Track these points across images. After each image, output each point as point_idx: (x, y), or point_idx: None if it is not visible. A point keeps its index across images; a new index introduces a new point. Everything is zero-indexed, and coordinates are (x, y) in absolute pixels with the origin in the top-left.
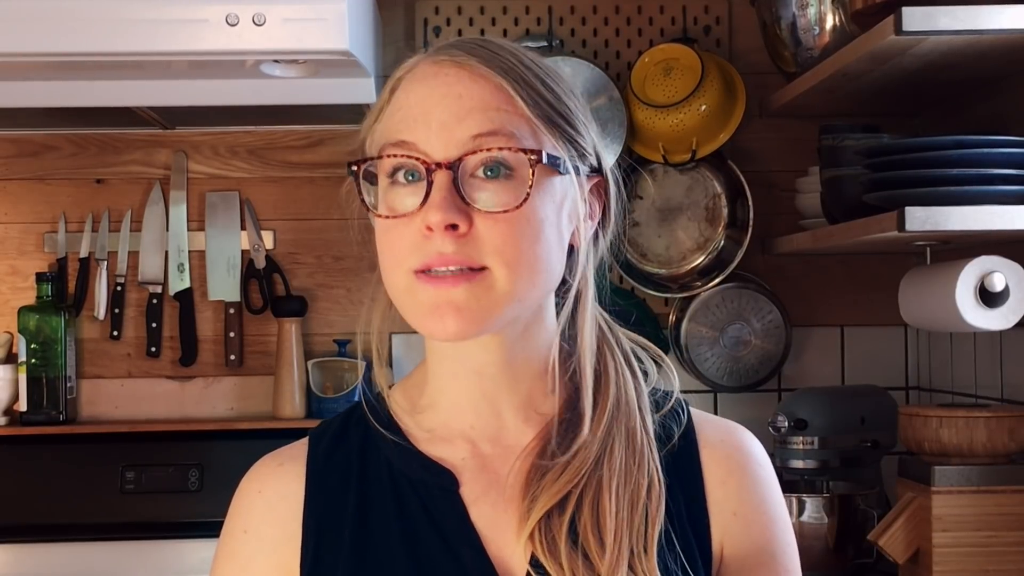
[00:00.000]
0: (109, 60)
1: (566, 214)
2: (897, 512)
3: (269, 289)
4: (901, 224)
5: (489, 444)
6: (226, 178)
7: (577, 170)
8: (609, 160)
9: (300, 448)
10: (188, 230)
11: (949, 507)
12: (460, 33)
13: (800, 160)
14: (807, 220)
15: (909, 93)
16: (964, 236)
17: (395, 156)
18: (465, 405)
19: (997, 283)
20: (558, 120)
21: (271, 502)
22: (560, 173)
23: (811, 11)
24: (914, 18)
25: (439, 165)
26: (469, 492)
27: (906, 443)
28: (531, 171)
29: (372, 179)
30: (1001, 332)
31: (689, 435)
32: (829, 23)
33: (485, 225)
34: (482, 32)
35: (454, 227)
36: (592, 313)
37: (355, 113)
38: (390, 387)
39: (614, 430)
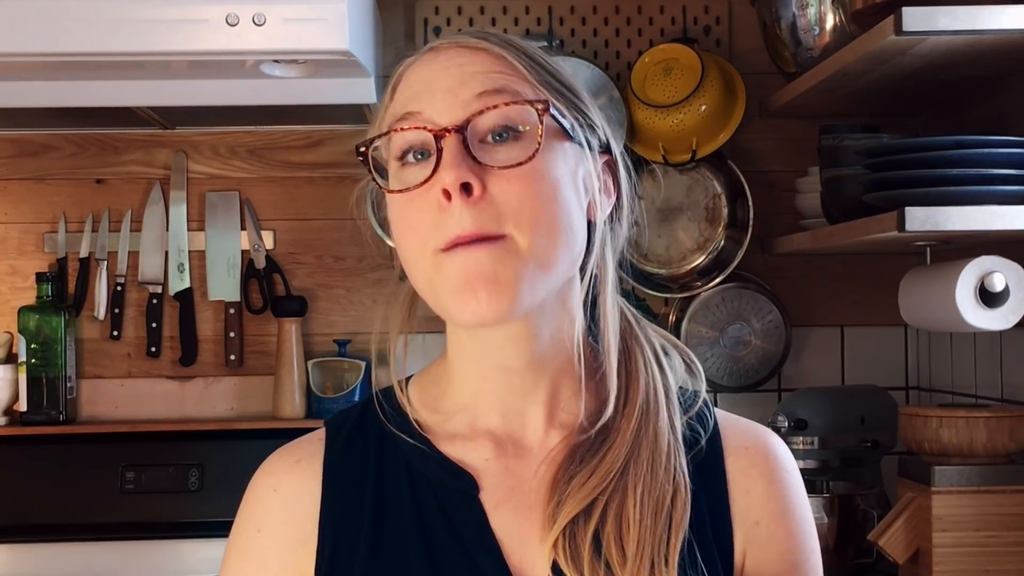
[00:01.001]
0: (109, 60)
1: (581, 180)
2: (897, 512)
3: (269, 289)
4: (901, 224)
5: (513, 447)
6: (226, 178)
7: (589, 143)
8: (617, 144)
9: (316, 443)
10: (188, 230)
11: (949, 507)
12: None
13: (800, 160)
14: (807, 220)
15: (909, 93)
16: (964, 236)
17: (402, 129)
18: (490, 406)
19: (997, 283)
20: (561, 88)
21: (287, 501)
22: (570, 137)
23: (811, 11)
24: (914, 18)
25: (447, 130)
26: (490, 497)
27: (906, 443)
28: (540, 121)
29: (383, 172)
30: (1001, 332)
31: (714, 440)
32: (829, 23)
33: (499, 187)
34: None
35: (467, 187)
36: (613, 297)
37: (355, 113)
38: (407, 380)
39: (642, 432)
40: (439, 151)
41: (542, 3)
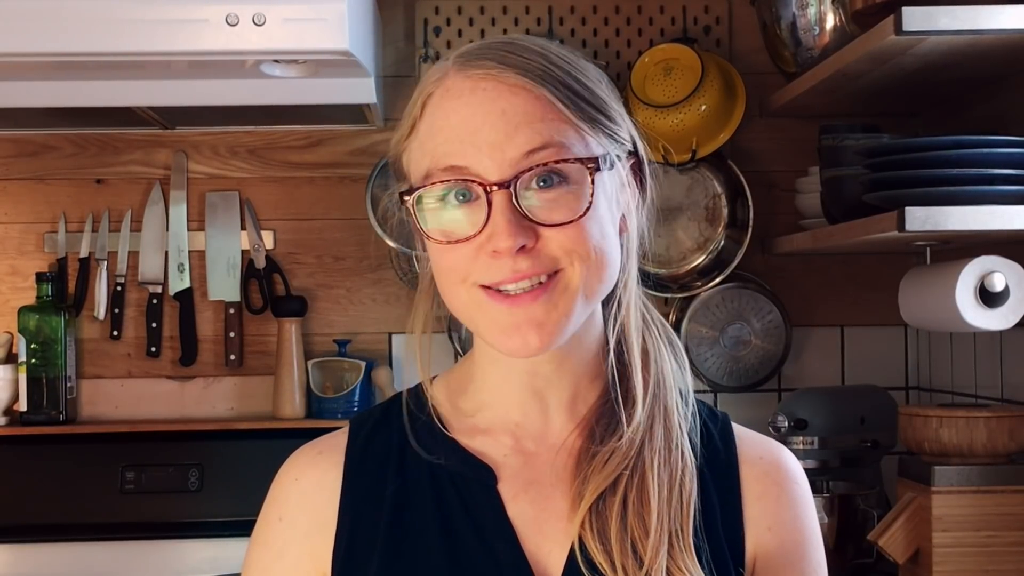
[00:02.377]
0: (109, 60)
1: (615, 204)
2: (897, 512)
3: (269, 289)
4: (901, 224)
5: (533, 442)
6: (226, 178)
7: (619, 158)
8: (641, 140)
9: (340, 437)
10: (188, 230)
11: (949, 507)
12: (460, 33)
13: (800, 160)
14: (807, 220)
15: (909, 93)
16: (964, 236)
17: (448, 181)
18: (513, 404)
19: (997, 283)
20: (598, 117)
21: (307, 491)
22: (609, 169)
23: (811, 11)
24: (914, 18)
25: (496, 186)
26: (508, 488)
27: (906, 443)
28: (590, 179)
29: (419, 200)
30: (1001, 332)
31: (731, 448)
32: (829, 23)
33: (551, 233)
34: (482, 33)
35: (523, 247)
36: (636, 292)
37: (355, 113)
38: (432, 379)
39: (655, 409)
40: (489, 204)
41: (542, 3)
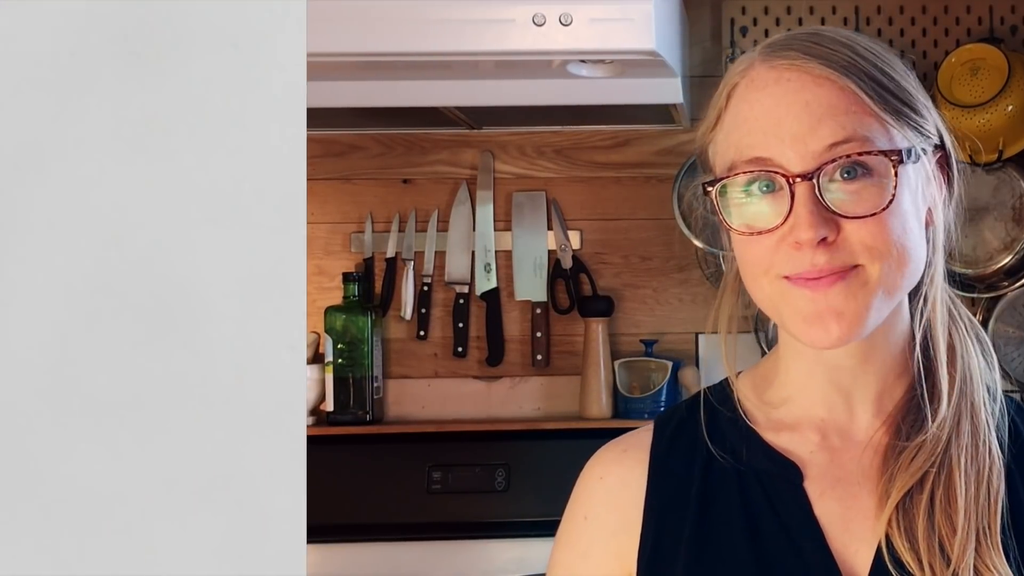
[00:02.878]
0: (416, 60)
1: (920, 197)
2: None
3: (576, 289)
4: None
5: (838, 438)
6: (532, 178)
7: (924, 151)
8: (948, 134)
9: (645, 434)
10: (495, 230)
11: None
12: (766, 33)
13: None
14: None
15: None
16: None
17: (752, 172)
18: (817, 399)
19: None
20: (904, 109)
21: (612, 489)
22: (913, 162)
23: None
24: None
25: (799, 178)
26: (815, 486)
27: None
28: (893, 171)
29: (723, 192)
30: None
31: None
32: None
33: (852, 227)
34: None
35: (824, 239)
36: (942, 287)
37: (662, 114)
38: (737, 375)
39: (962, 405)
40: (792, 195)
41: (849, 3)
